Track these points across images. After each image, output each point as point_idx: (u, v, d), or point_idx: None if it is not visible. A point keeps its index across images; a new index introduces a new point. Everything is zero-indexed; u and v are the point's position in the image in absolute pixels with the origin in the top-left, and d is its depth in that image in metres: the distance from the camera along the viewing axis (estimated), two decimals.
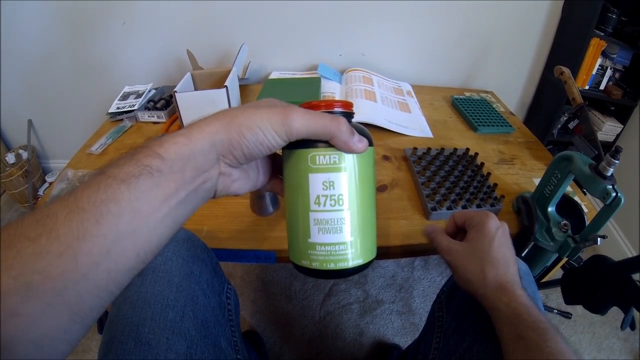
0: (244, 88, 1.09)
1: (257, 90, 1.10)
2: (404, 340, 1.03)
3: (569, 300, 0.74)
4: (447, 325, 0.54)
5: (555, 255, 0.70)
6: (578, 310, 1.06)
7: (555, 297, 1.13)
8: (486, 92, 1.21)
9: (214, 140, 0.27)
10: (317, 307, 1.11)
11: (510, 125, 1.02)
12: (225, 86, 0.87)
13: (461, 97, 1.14)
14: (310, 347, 1.02)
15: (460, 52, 1.19)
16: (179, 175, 0.26)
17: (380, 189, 0.81)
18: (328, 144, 0.29)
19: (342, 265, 0.30)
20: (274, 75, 1.12)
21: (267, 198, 0.74)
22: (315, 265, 0.30)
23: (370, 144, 0.32)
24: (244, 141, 0.28)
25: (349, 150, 0.30)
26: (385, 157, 0.89)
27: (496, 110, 1.08)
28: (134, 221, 0.24)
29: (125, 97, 1.10)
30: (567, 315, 1.05)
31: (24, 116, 1.48)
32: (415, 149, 0.87)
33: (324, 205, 0.29)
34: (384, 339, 1.03)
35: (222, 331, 0.52)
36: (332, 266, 0.30)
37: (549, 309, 1.06)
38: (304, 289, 1.16)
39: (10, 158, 1.48)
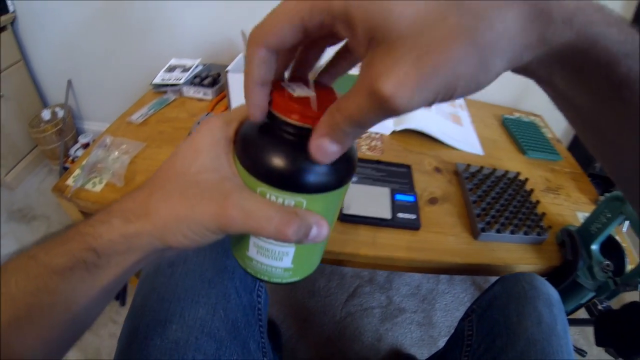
0: None
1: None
2: (420, 352, 0.97)
3: (600, 342, 0.69)
4: (477, 345, 0.50)
5: (592, 294, 0.65)
6: (594, 350, 0.99)
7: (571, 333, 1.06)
8: (535, 115, 1.13)
9: (149, 247, 0.23)
10: (339, 307, 1.05)
11: (558, 154, 0.95)
12: None
13: (511, 117, 1.06)
14: (327, 346, 0.97)
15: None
16: (118, 268, 0.23)
17: (431, 201, 0.74)
18: (285, 180, 0.22)
19: (275, 280, 0.27)
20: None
21: None
22: (250, 271, 0.27)
23: (347, 179, 0.24)
24: (179, 245, 0.23)
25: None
26: (437, 169, 0.82)
27: (544, 136, 1.01)
28: (70, 311, 0.22)
29: (171, 69, 1.03)
30: (582, 352, 0.98)
31: (65, 76, 1.43)
32: (469, 165, 0.81)
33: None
34: (401, 348, 0.97)
35: (252, 333, 0.47)
36: (265, 278, 0.27)
37: None
38: (328, 286, 1.10)
39: (46, 115, 1.43)
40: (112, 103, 1.33)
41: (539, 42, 0.16)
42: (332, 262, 0.67)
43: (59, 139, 1.40)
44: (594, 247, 0.63)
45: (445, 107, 0.99)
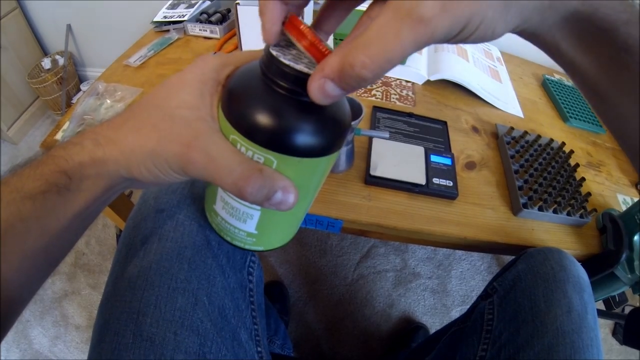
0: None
1: None
2: (432, 321, 0.88)
3: (628, 341, 0.59)
4: (498, 332, 0.41)
5: (625, 288, 0.55)
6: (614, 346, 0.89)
7: None
8: None
9: (115, 174, 0.21)
10: (351, 268, 0.95)
11: (601, 125, 0.78)
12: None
13: (553, 78, 0.89)
14: (337, 309, 0.88)
15: None
16: (89, 193, 0.21)
17: (469, 165, 0.60)
18: (255, 130, 0.18)
19: (237, 244, 0.24)
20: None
21: (342, 152, 0.52)
22: (214, 227, 0.25)
23: (332, 149, 0.20)
24: (142, 179, 0.21)
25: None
26: (475, 129, 0.67)
27: (586, 104, 0.84)
28: (44, 239, 0.20)
29: (174, 5, 0.85)
30: None
31: (63, 20, 1.24)
32: (512, 128, 0.65)
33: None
34: (412, 316, 0.88)
35: (242, 319, 0.39)
36: (227, 239, 0.24)
37: None
38: (341, 245, 0.99)
39: (46, 63, 1.29)
40: (116, 47, 1.15)
41: (549, 8, 0.17)
42: (353, 232, 0.54)
43: (61, 87, 1.24)
44: (637, 238, 0.51)
45: (483, 59, 0.81)
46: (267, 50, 0.18)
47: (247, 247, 0.24)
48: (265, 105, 0.18)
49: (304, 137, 0.18)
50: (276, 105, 0.18)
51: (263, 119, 0.18)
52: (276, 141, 0.18)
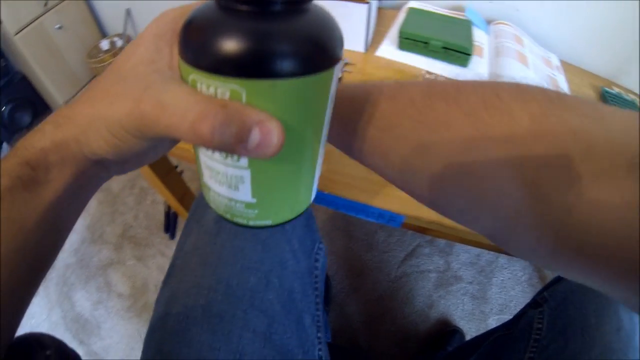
0: (378, 12, 0.85)
1: (392, 16, 0.86)
2: (469, 327, 0.89)
3: None
4: (547, 342, 0.41)
5: None
6: None
7: None
8: (634, 93, 0.94)
9: (79, 156, 0.19)
10: (395, 265, 0.97)
11: None
12: (368, 2, 0.65)
13: (612, 91, 0.88)
14: (377, 305, 0.90)
15: (620, 37, 0.89)
16: (57, 183, 0.19)
17: None
18: (210, 56, 0.15)
19: (239, 221, 0.20)
20: (414, 4, 0.87)
21: None
22: (212, 205, 0.21)
23: (318, 63, 0.16)
24: (103, 152, 0.18)
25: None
26: None
27: None
28: (19, 239, 0.18)
29: None
30: None
31: (123, 5, 1.33)
32: None
33: (213, 152, 0.17)
34: (450, 319, 0.90)
35: (307, 304, 0.39)
36: (227, 216, 0.20)
37: None
38: (388, 241, 1.01)
39: (105, 45, 1.37)
40: None
41: None
42: (413, 228, 0.57)
43: None
44: None
45: (542, 67, 0.83)
46: None
47: (251, 223, 0.20)
48: (215, 26, 0.15)
49: (267, 52, 0.15)
50: (227, 23, 0.15)
51: (215, 41, 0.15)
52: (235, 63, 0.15)
